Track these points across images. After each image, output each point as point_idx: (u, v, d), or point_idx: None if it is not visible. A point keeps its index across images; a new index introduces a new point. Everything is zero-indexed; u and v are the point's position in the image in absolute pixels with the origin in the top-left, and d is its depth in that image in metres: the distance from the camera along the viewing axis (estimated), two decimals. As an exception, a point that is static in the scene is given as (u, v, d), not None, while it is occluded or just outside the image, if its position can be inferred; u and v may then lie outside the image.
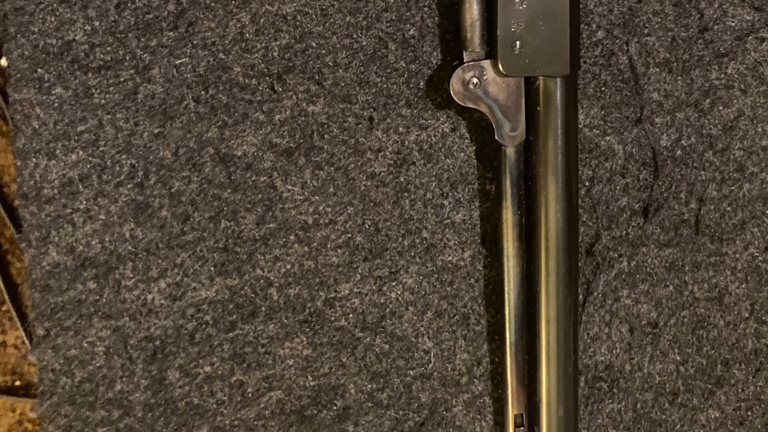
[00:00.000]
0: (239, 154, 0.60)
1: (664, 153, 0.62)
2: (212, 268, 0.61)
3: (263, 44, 0.59)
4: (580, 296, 0.63)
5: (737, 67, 0.61)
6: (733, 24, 0.60)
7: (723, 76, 0.61)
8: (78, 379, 0.62)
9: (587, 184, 0.62)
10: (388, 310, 0.63)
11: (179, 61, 0.59)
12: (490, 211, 0.62)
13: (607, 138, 0.61)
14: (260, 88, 0.59)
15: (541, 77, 0.55)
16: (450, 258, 0.62)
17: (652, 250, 0.63)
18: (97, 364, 0.62)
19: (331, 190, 0.61)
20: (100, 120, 0.59)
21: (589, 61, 0.60)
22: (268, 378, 0.63)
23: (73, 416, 0.62)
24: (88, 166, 0.60)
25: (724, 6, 0.60)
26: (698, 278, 0.64)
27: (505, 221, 0.58)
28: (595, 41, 0.60)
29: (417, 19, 0.59)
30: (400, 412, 0.64)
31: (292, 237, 0.61)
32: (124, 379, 0.62)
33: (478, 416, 0.65)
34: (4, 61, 0.59)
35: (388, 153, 0.61)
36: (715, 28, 0.60)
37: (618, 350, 0.64)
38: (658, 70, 0.60)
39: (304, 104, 0.60)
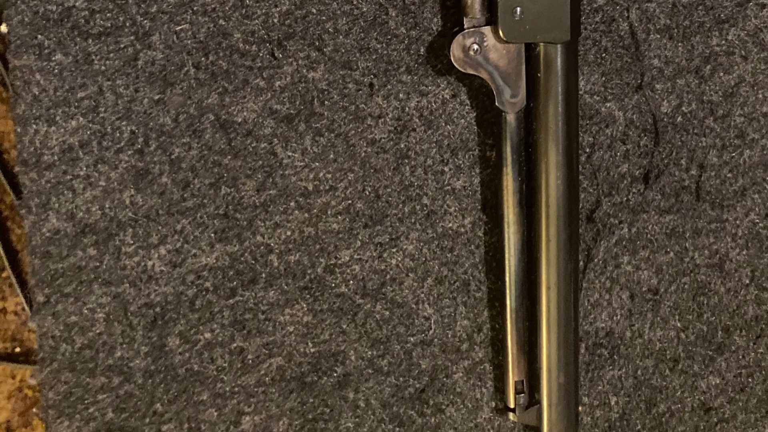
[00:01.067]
0: (239, 120, 0.60)
1: (665, 119, 0.62)
2: (212, 235, 0.61)
3: (263, 10, 0.59)
4: (581, 263, 0.63)
5: (738, 34, 0.61)
6: (733, -10, 0.60)
7: (724, 42, 0.61)
8: (78, 345, 0.62)
9: (588, 150, 0.62)
10: (388, 276, 0.63)
11: (179, 27, 0.59)
12: (491, 177, 0.62)
13: (608, 104, 0.61)
14: (260, 55, 0.59)
15: (541, 43, 0.55)
16: (450, 224, 0.62)
17: (653, 217, 0.63)
18: (97, 331, 0.62)
19: (332, 156, 0.61)
20: (100, 86, 0.59)
21: (589, 28, 0.60)
22: (268, 344, 0.63)
23: (73, 383, 0.62)
24: (88, 132, 0.60)
25: (724, -28, 0.60)
26: (699, 245, 0.64)
27: (505, 188, 0.58)
28: (595, 7, 0.60)
29: (417, -15, 0.59)
30: (401, 379, 0.64)
31: (292, 203, 0.61)
32: (124, 345, 0.62)
33: (479, 383, 0.64)
34: (4, 28, 0.59)
35: (388, 119, 0.61)
36: (716, -6, 0.60)
37: (618, 317, 0.64)
38: (658, 36, 0.60)
39: (305, 70, 0.60)
